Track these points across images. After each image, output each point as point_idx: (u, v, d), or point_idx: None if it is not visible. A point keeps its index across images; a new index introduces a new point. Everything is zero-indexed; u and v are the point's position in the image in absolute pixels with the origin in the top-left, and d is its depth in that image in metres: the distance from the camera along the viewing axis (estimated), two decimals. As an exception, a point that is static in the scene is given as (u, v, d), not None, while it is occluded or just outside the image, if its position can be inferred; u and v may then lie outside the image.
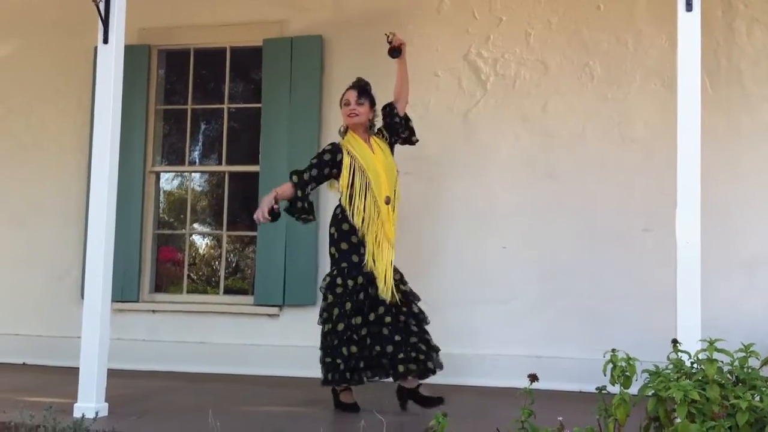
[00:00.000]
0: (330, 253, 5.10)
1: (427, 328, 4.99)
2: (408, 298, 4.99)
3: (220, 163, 7.11)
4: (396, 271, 5.01)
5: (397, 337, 4.83)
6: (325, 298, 4.98)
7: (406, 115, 5.30)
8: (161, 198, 7.27)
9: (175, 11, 6.98)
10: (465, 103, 6.37)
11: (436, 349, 4.95)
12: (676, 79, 4.25)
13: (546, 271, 6.07)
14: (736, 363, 3.16)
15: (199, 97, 7.21)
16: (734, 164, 5.84)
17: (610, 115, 6.11)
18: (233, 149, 7.06)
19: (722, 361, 3.19)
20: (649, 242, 5.83)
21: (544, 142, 6.20)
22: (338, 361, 4.80)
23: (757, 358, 3.28)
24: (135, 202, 6.81)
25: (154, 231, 6.99)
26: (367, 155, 5.06)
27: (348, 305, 4.86)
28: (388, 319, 4.85)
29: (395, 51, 5.23)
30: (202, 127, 7.42)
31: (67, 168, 7.03)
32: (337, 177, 5.06)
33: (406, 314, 4.93)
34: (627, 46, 6.13)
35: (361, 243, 4.96)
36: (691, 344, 3.52)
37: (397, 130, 5.25)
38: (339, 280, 4.94)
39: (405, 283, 5.03)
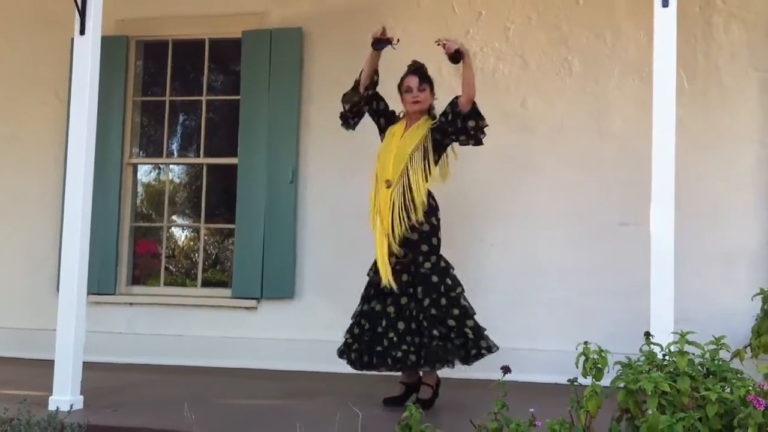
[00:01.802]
0: None
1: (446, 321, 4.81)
2: (427, 287, 4.80)
3: (198, 156, 7.09)
4: (425, 260, 4.83)
5: (401, 325, 4.75)
6: None
7: (468, 114, 4.94)
8: (139, 190, 7.23)
9: (154, 2, 6.94)
10: (445, 98, 6.34)
11: (445, 345, 4.74)
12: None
13: (524, 264, 6.10)
14: (707, 355, 3.19)
15: (177, 88, 7.18)
16: (711, 159, 5.89)
17: (589, 110, 6.14)
18: (212, 141, 7.04)
19: (694, 354, 3.22)
20: (626, 236, 5.86)
21: (523, 136, 6.23)
22: (349, 340, 4.88)
23: (728, 350, 3.31)
24: (112, 195, 6.78)
25: (132, 223, 6.96)
26: (392, 140, 4.96)
27: (368, 291, 4.91)
28: (391, 309, 4.80)
29: (454, 57, 4.93)
30: (181, 119, 7.39)
31: (45, 160, 6.98)
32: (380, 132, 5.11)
33: (418, 304, 4.80)
34: (605, 42, 6.16)
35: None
36: (664, 337, 3.56)
37: (445, 127, 4.95)
38: (369, 271, 4.98)
39: (430, 274, 4.84)
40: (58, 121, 6.86)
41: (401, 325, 4.75)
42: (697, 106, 5.90)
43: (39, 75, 7.06)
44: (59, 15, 6.77)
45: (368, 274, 5.00)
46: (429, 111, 5.06)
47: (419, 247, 4.85)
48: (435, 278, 4.83)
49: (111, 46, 6.37)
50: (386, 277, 4.78)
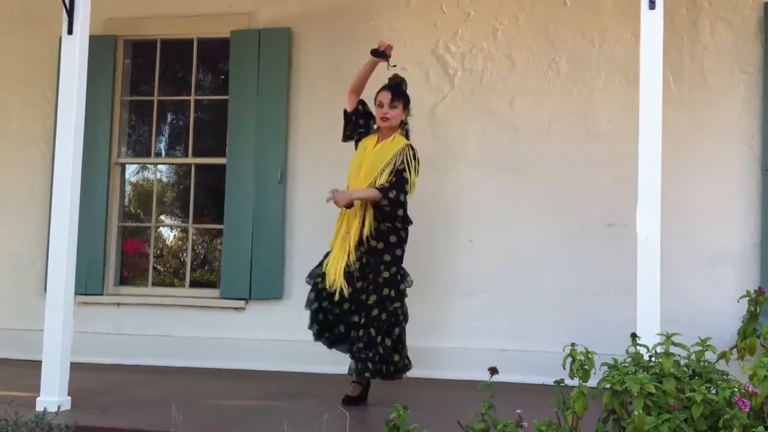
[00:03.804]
0: None
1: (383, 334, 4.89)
2: (369, 290, 4.90)
3: (186, 155, 7.07)
4: (386, 269, 4.93)
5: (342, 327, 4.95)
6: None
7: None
8: (127, 190, 7.21)
9: (142, 1, 6.92)
10: (432, 97, 6.39)
11: (379, 357, 4.84)
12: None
13: (511, 264, 6.11)
14: (693, 357, 3.21)
15: (165, 88, 7.16)
16: (696, 160, 5.92)
17: (576, 111, 6.16)
18: (200, 141, 7.03)
19: (679, 355, 3.24)
20: (612, 237, 5.89)
21: (510, 137, 6.24)
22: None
23: (713, 352, 3.34)
24: (100, 194, 6.76)
25: (119, 223, 6.94)
26: (363, 153, 5.06)
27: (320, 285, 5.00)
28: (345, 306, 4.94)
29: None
30: (169, 118, 7.37)
31: (32, 159, 6.95)
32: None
33: (360, 306, 4.90)
34: (593, 43, 6.18)
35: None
36: (650, 338, 3.57)
37: None
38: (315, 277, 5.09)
39: (372, 279, 4.91)
40: (45, 120, 6.85)
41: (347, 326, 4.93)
42: (683, 108, 5.93)
43: (26, 74, 7.03)
44: (47, 14, 6.76)
45: (312, 280, 5.07)
46: (402, 127, 5.14)
47: (382, 256, 4.94)
48: (386, 290, 4.91)
49: (99, 46, 6.36)
50: (338, 283, 4.85)
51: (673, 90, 5.88)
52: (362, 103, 5.24)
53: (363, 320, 4.85)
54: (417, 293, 5.92)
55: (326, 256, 5.07)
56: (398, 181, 4.95)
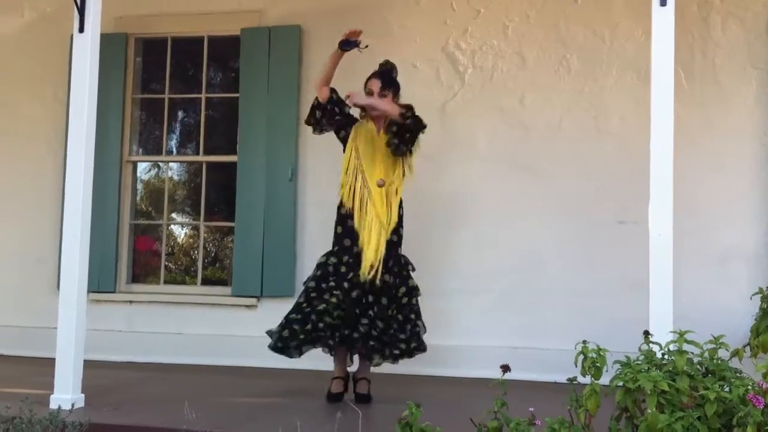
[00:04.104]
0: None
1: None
2: (397, 284, 4.96)
3: (197, 153, 7.09)
4: (407, 263, 5.09)
5: (364, 321, 4.84)
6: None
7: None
8: (138, 188, 7.24)
9: None
10: (443, 95, 6.39)
11: (409, 340, 4.95)
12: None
13: (522, 262, 6.11)
14: (706, 354, 3.20)
15: (176, 86, 7.18)
16: (708, 158, 5.90)
17: (587, 108, 6.15)
18: (211, 139, 7.05)
19: (692, 353, 3.24)
20: (623, 234, 5.87)
21: (520, 134, 6.24)
22: (296, 327, 4.88)
23: (726, 349, 3.33)
24: (111, 192, 6.78)
25: (131, 221, 6.96)
26: (370, 137, 4.99)
27: (326, 282, 4.88)
28: (369, 299, 4.86)
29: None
30: (180, 116, 7.40)
31: (44, 157, 6.98)
32: (343, 144, 5.10)
33: (396, 302, 4.96)
34: (604, 40, 6.17)
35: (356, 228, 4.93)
36: (663, 335, 3.56)
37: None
38: (325, 258, 5.01)
39: (398, 272, 4.98)
40: (56, 118, 6.86)
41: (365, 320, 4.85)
42: (694, 105, 5.92)
43: (38, 73, 7.06)
44: (58, 13, 6.79)
45: (332, 262, 4.97)
46: None
47: (397, 249, 5.01)
48: (411, 281, 5.05)
49: (110, 44, 6.36)
50: (375, 271, 4.81)
51: (684, 87, 5.85)
52: (334, 90, 5.13)
53: (394, 311, 4.90)
54: (425, 291, 5.93)
55: (344, 244, 5.00)
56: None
